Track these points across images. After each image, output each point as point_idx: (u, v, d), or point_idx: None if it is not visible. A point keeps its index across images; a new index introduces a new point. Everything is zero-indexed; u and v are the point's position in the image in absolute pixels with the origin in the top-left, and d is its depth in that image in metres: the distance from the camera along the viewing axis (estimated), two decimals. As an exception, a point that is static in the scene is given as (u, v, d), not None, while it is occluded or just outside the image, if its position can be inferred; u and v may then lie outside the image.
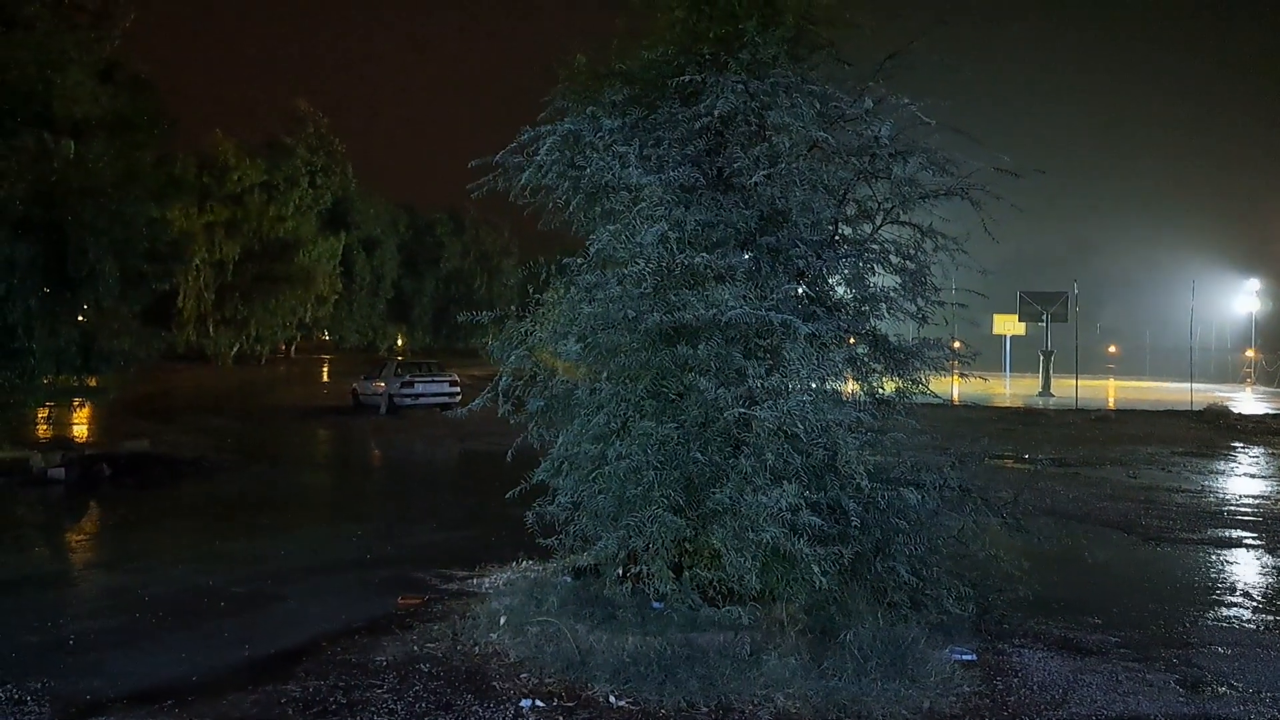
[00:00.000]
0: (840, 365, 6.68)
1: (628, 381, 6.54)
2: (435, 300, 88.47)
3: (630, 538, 6.51)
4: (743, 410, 6.07)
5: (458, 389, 31.05)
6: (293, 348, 73.90)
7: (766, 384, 6.08)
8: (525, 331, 7.56)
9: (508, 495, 7.66)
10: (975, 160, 6.58)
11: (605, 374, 6.80)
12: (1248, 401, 40.09)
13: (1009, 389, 39.30)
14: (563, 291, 7.49)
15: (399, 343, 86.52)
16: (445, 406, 30.26)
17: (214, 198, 58.56)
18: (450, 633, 7.28)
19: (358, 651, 6.93)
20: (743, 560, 6.02)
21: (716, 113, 6.47)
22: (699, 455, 6.24)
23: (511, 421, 7.93)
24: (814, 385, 6.39)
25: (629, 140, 6.69)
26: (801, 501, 5.85)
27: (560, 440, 7.03)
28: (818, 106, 6.63)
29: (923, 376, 7.03)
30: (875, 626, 6.38)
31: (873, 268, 6.85)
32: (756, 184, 6.55)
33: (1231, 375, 57.60)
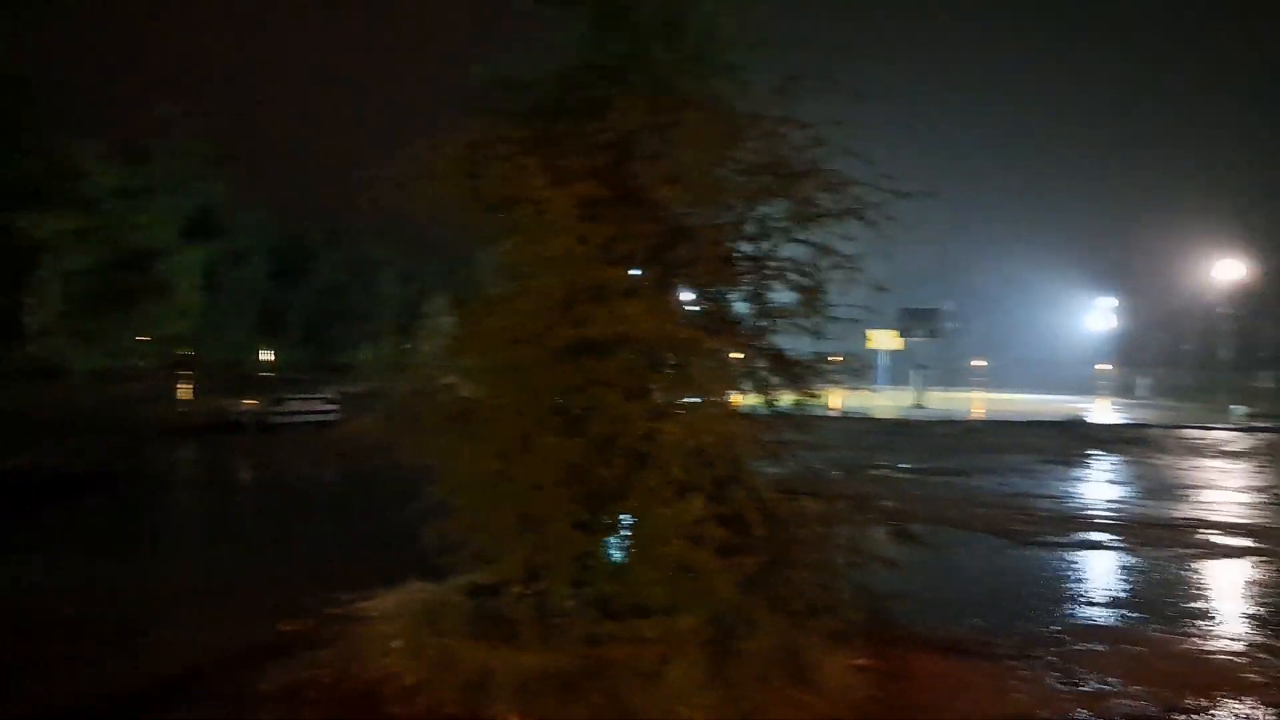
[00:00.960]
0: (741, 379, 6.78)
1: (531, 397, 6.47)
2: (308, 314, 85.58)
3: (533, 555, 6.43)
4: (651, 425, 6.09)
5: (335, 406, 30.08)
6: (152, 363, 70.02)
7: (673, 398, 6.11)
8: (422, 347, 7.40)
9: (402, 515, 7.45)
10: (869, 182, 6.77)
11: (508, 389, 6.70)
12: (1103, 412, 42.53)
13: (885, 401, 40.64)
14: (459, 305, 7.38)
15: (268, 358, 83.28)
16: (322, 424, 29.36)
17: (68, 204, 55.21)
18: (340, 658, 7.01)
19: (241, 679, 6.64)
20: (649, 573, 6.02)
21: (622, 128, 6.49)
22: (604, 471, 6.21)
23: (400, 439, 7.72)
24: (718, 399, 6.46)
25: (532, 152, 6.63)
26: (707, 514, 5.90)
27: (460, 458, 6.89)
28: (722, 124, 6.72)
29: (818, 389, 7.18)
30: (775, 635, 6.46)
31: (771, 284, 6.98)
32: (661, 200, 6.60)
33: (1088, 387, 61.03)
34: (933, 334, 44.41)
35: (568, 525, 6.33)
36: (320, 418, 29.53)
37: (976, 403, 45.10)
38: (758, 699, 5.97)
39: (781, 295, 7.04)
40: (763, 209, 7.01)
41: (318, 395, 30.71)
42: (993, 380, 64.68)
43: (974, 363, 67.93)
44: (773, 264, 6.98)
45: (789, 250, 7.00)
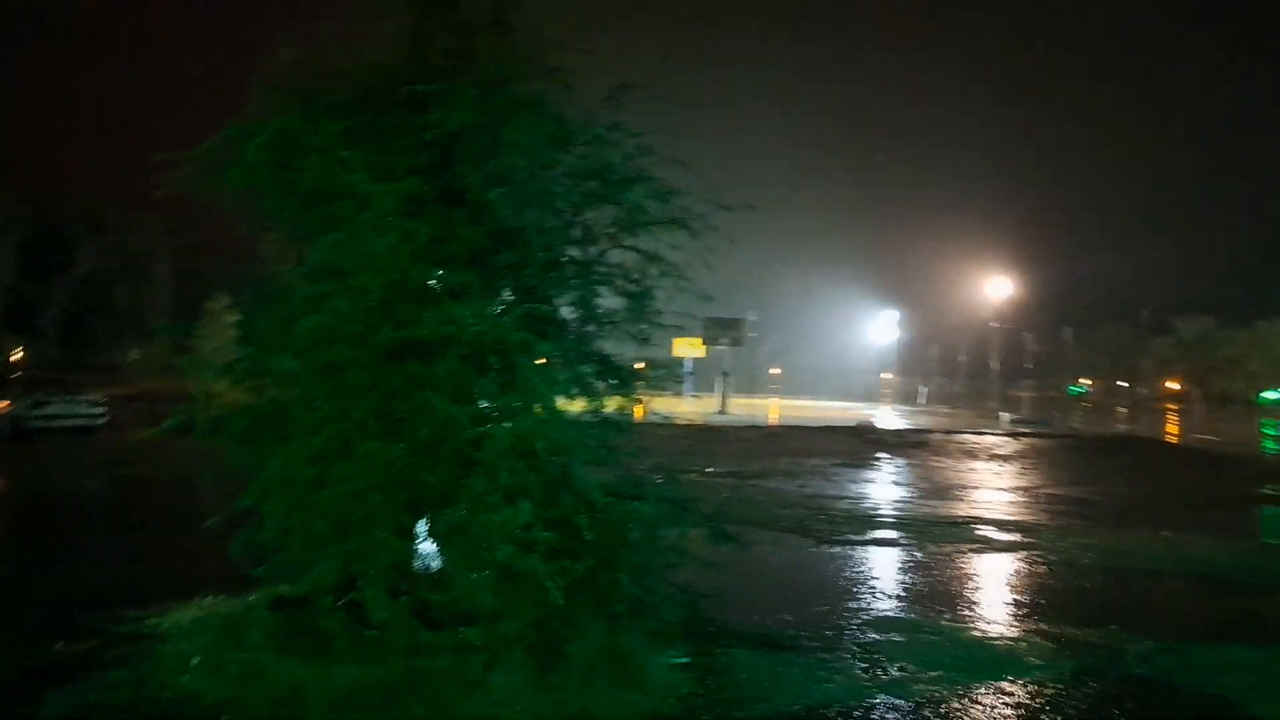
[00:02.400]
0: (569, 384, 6.79)
1: (351, 400, 6.23)
2: (66, 309, 78.53)
3: (351, 563, 6.20)
4: (482, 429, 6.00)
5: (102, 410, 27.69)
6: None
7: (501, 402, 6.05)
8: (204, 346, 7.00)
9: (189, 526, 7.00)
10: (694, 192, 6.94)
11: (325, 392, 6.43)
12: (888, 417, 45.38)
13: (690, 407, 41.68)
14: (269, 303, 7.05)
15: (19, 356, 75.74)
16: (88, 430, 27.03)
17: None
18: (132, 679, 6.50)
19: (19, 707, 6.04)
20: (475, 580, 5.93)
21: (450, 125, 6.36)
22: (429, 476, 6.06)
23: (200, 445, 7.26)
24: (548, 404, 6.45)
25: (352, 145, 6.39)
26: (536, 519, 5.87)
27: (270, 463, 6.54)
28: (551, 128, 6.72)
29: (641, 395, 7.30)
30: (599, 638, 6.51)
31: (598, 290, 7.02)
32: (489, 201, 6.52)
33: (874, 394, 65.05)
34: (736, 342, 46.00)
35: (389, 532, 6.15)
36: (86, 422, 27.12)
37: (774, 409, 47.03)
38: (584, 701, 6.00)
39: (608, 301, 7.11)
40: (590, 214, 7.07)
41: (83, 398, 28.05)
42: (788, 387, 67.69)
43: (771, 371, 70.92)
44: (600, 269, 7.05)
45: (616, 256, 7.09)
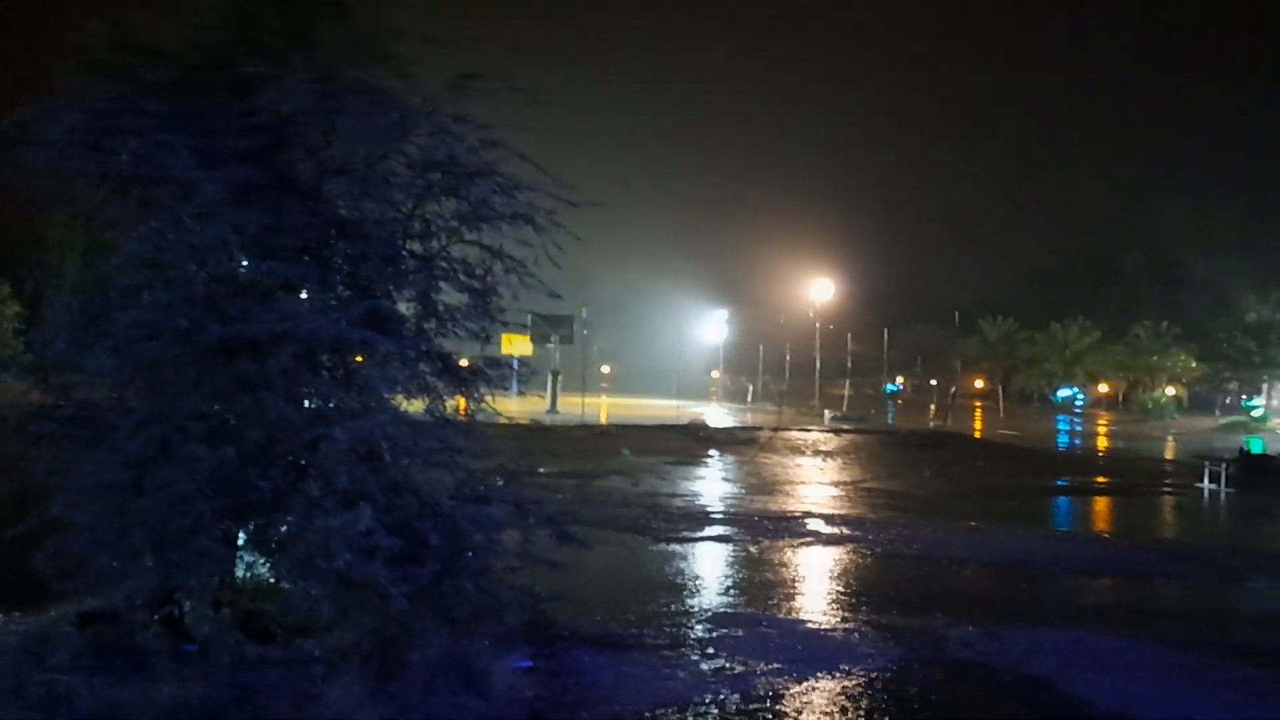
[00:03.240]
0: (408, 383, 6.55)
1: (172, 399, 5.81)
2: None
3: (170, 575, 5.78)
4: (322, 431, 5.69)
5: None
6: None
7: (341, 402, 5.77)
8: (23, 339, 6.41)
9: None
10: (540, 188, 6.82)
11: (142, 391, 5.97)
12: (717, 415, 46.44)
13: (519, 406, 41.17)
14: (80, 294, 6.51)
15: None
16: None
17: None
18: (-88, 709, 5.87)
19: None
20: (311, 589, 5.63)
21: (283, 110, 6.02)
22: (261, 481, 5.71)
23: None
24: (391, 404, 6.21)
25: (175, 128, 5.96)
26: (378, 524, 5.63)
27: (79, 469, 6.03)
28: (392, 117, 6.46)
29: (483, 394, 7.13)
30: (441, 644, 6.33)
31: (439, 286, 6.80)
32: (326, 191, 6.22)
33: (703, 392, 66.40)
34: (565, 340, 45.76)
35: (214, 540, 5.78)
36: None
37: (606, 408, 47.16)
38: (426, 710, 5.81)
39: (449, 297, 6.90)
40: (433, 207, 6.84)
41: None
42: (619, 386, 68.09)
43: (602, 368, 71.15)
44: (442, 264, 6.83)
45: (459, 251, 6.89)
